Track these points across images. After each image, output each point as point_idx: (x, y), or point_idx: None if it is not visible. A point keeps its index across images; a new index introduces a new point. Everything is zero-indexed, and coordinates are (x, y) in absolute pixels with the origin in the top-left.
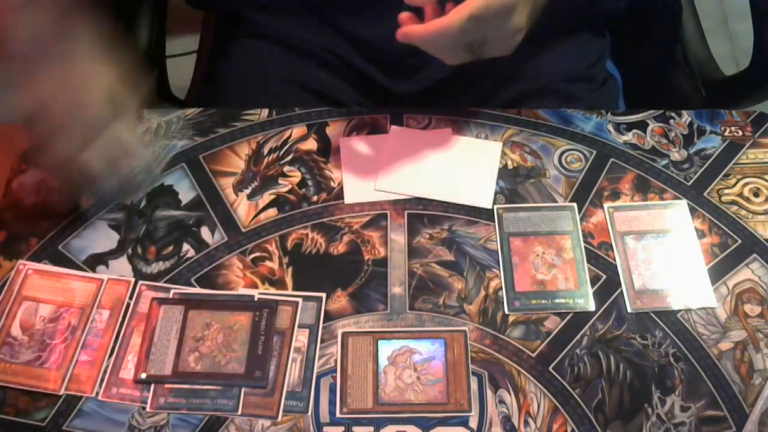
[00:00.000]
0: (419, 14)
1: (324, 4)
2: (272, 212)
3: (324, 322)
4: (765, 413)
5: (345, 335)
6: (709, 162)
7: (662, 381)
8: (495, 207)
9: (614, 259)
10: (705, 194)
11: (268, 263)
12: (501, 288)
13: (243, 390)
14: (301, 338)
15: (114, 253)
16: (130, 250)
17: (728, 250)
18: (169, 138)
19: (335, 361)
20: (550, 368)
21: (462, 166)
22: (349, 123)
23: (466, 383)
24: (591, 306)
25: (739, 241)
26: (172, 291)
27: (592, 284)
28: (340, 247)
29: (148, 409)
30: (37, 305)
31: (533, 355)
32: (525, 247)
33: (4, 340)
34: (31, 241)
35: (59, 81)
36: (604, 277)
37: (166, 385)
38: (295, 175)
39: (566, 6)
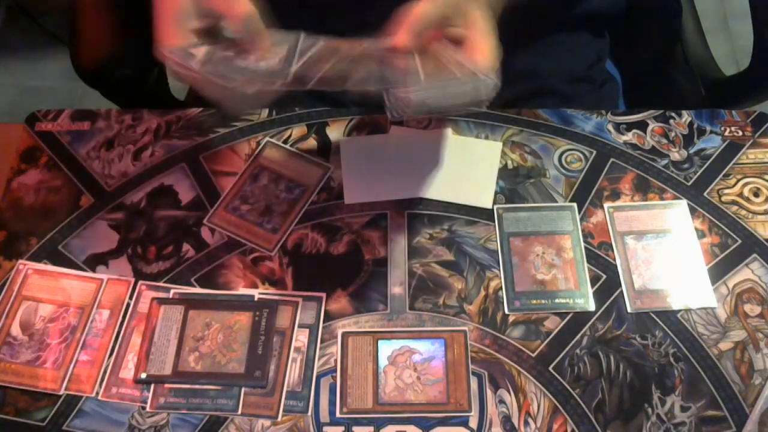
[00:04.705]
0: None
1: (324, 5)
2: None
3: (324, 322)
4: (765, 413)
5: (345, 335)
6: (709, 162)
7: (662, 381)
8: (495, 207)
9: (614, 259)
10: (705, 194)
11: (268, 263)
12: (501, 288)
13: (243, 390)
14: (301, 338)
15: (114, 253)
16: (130, 250)
17: (728, 250)
18: (169, 138)
19: (335, 361)
20: (550, 368)
21: (462, 166)
22: (349, 123)
23: (466, 383)
24: (591, 306)
25: (739, 241)
26: (172, 291)
27: (592, 284)
28: (340, 247)
29: (148, 409)
30: (37, 305)
31: (533, 355)
32: (525, 247)
33: (4, 340)
34: (31, 241)
35: None
36: (604, 277)
37: (166, 385)
38: None
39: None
